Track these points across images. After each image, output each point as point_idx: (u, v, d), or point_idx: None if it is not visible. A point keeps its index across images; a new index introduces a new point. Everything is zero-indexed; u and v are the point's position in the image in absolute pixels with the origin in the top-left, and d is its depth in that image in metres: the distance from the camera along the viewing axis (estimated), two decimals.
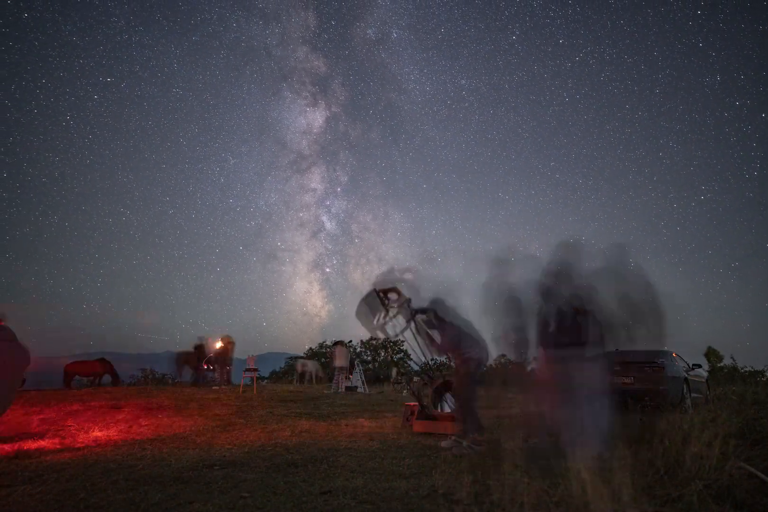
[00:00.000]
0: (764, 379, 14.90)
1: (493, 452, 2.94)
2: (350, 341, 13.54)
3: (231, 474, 2.52)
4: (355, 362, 13.11)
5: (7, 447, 3.29)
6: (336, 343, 12.30)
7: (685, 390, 6.60)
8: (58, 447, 3.29)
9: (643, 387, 6.25)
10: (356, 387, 11.74)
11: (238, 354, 12.46)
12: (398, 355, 18.09)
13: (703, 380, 8.15)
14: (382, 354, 20.21)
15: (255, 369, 10.00)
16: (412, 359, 5.15)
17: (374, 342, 19.80)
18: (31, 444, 3.38)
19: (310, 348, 23.38)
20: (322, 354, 21.42)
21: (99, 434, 3.92)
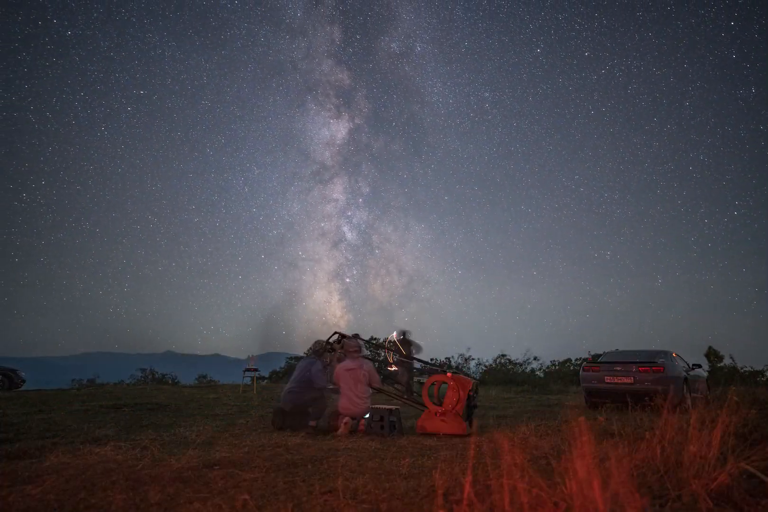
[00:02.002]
0: (764, 379, 14.92)
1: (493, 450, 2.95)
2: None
3: (231, 474, 2.52)
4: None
5: (7, 447, 3.30)
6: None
7: (685, 390, 6.60)
8: (58, 447, 3.29)
9: (643, 387, 6.25)
10: None
11: (239, 354, 12.47)
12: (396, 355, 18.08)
13: (703, 380, 8.16)
14: (383, 354, 20.23)
15: (255, 369, 9.99)
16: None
17: (374, 341, 19.85)
18: (31, 444, 3.38)
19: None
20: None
21: (99, 434, 3.92)
